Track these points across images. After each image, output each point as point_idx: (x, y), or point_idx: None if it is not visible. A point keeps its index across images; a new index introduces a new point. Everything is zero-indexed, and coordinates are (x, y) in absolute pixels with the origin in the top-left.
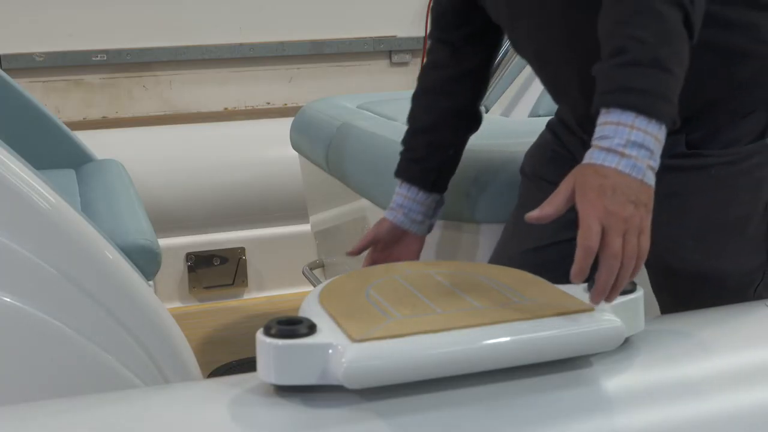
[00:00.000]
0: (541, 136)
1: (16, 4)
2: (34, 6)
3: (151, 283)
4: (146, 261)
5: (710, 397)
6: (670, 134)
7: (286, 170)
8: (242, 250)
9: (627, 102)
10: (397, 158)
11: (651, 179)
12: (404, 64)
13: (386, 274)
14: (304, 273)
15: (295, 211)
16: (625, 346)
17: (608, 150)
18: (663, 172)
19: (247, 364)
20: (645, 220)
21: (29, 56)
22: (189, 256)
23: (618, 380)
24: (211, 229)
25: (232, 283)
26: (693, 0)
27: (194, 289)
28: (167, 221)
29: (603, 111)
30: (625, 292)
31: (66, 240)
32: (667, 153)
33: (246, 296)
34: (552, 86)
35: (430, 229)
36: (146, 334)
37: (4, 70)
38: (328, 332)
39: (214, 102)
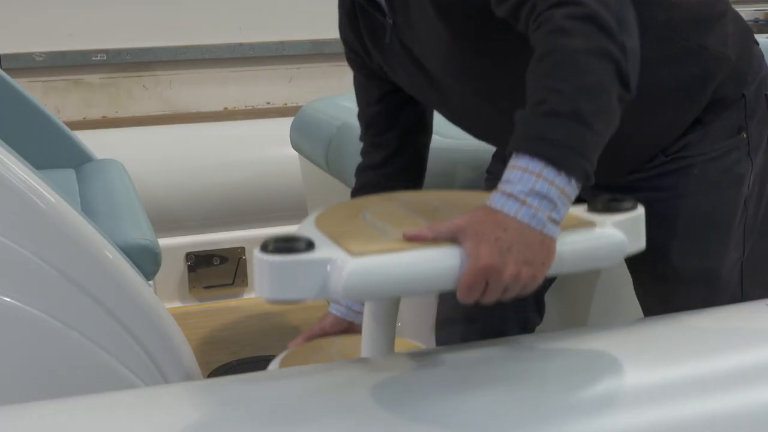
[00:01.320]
0: None
1: (16, 4)
2: (34, 6)
3: (151, 283)
4: (146, 261)
5: (711, 397)
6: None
7: (286, 170)
8: (242, 249)
9: (537, 150)
10: None
11: (552, 231)
12: None
13: (383, 201)
14: None
15: (295, 211)
16: (625, 345)
17: (509, 196)
18: (646, 180)
19: (247, 364)
20: (537, 277)
21: (29, 56)
22: (189, 256)
23: (618, 380)
24: (211, 229)
25: (232, 283)
26: (625, 50)
27: (194, 289)
28: (167, 221)
29: (514, 155)
30: (626, 209)
31: (66, 240)
32: (647, 164)
33: (246, 296)
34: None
35: None
36: (146, 334)
37: (4, 70)
38: (326, 249)
39: (213, 102)
